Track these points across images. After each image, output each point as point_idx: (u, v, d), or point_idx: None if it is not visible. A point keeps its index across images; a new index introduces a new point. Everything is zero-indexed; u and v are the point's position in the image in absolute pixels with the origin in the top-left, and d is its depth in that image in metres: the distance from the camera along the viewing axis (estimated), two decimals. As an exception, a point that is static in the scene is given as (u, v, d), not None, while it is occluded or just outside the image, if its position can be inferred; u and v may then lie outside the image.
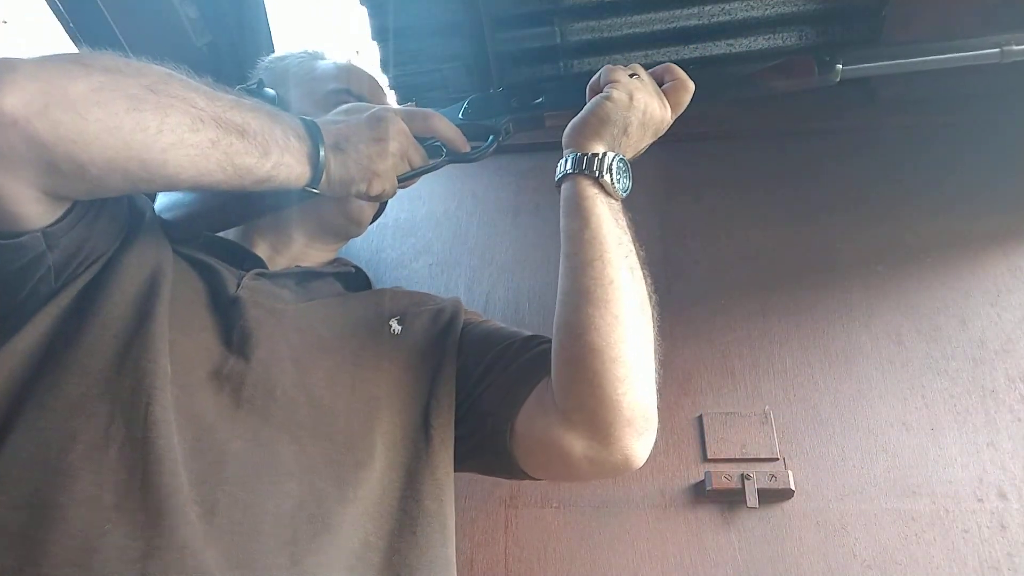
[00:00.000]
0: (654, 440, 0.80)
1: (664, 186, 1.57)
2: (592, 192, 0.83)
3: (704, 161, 1.59)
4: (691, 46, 1.58)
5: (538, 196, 1.65)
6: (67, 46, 1.37)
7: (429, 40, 1.58)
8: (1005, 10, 1.36)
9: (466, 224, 1.64)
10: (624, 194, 0.86)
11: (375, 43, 1.54)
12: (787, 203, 1.54)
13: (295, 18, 1.61)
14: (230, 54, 1.50)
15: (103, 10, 1.34)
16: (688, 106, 0.92)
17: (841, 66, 0.94)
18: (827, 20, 1.52)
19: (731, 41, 1.57)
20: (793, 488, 1.22)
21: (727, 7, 1.50)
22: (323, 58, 1.08)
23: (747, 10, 1.50)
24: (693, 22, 1.53)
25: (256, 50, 1.51)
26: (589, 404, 0.77)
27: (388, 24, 1.54)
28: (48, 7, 1.33)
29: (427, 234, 1.63)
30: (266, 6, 1.52)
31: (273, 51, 1.53)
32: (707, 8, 1.50)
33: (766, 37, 1.56)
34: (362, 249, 1.60)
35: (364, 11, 1.54)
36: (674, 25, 1.54)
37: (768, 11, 1.50)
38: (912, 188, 1.51)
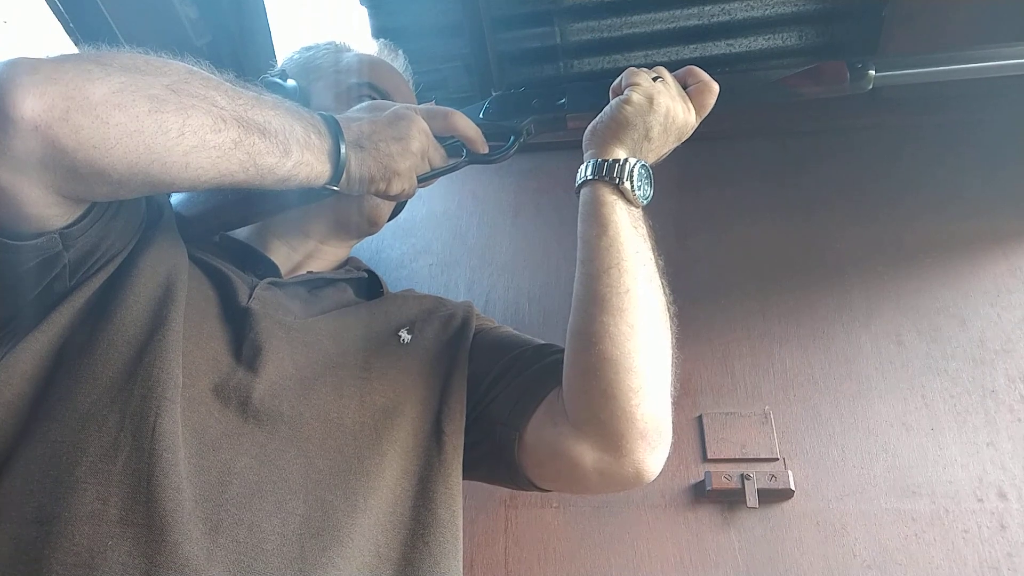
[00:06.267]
0: (667, 454, 0.79)
1: (664, 185, 1.57)
2: (611, 199, 0.82)
3: (704, 160, 1.59)
4: (691, 46, 1.59)
5: (538, 196, 1.64)
6: (67, 46, 1.37)
7: (429, 40, 1.58)
8: (1004, 10, 1.36)
9: (466, 224, 1.64)
10: (645, 202, 0.84)
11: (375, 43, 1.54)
12: (787, 202, 1.54)
13: (295, 18, 1.61)
14: (230, 54, 1.50)
15: (103, 10, 1.34)
16: (713, 109, 0.90)
17: (874, 72, 0.91)
18: (827, 20, 1.52)
19: (731, 41, 1.57)
20: (793, 488, 1.22)
21: (727, 7, 1.50)
22: (349, 50, 1.07)
23: (747, 10, 1.50)
24: (693, 22, 1.53)
25: (256, 50, 1.51)
26: (601, 415, 0.75)
27: (388, 24, 1.54)
28: (48, 7, 1.33)
29: (427, 234, 1.63)
30: (266, 6, 1.52)
31: (273, 51, 1.53)
32: (707, 8, 1.51)
33: (766, 37, 1.56)
34: (362, 249, 1.59)
35: (364, 11, 1.54)
36: (674, 25, 1.54)
37: (768, 11, 1.50)
38: (913, 188, 1.51)
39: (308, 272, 0.94)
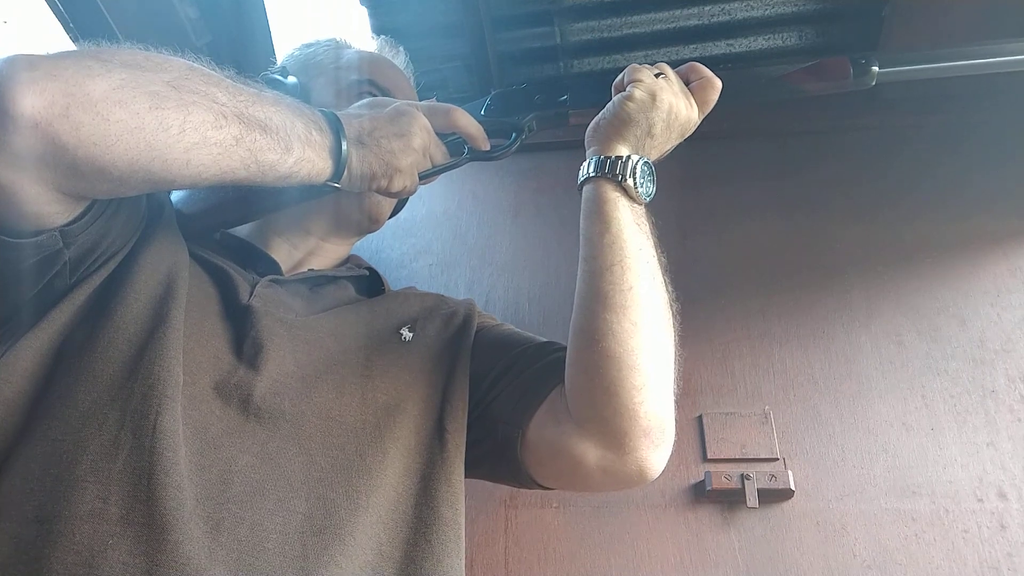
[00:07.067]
0: (670, 452, 0.78)
1: (665, 184, 1.57)
2: (614, 196, 0.81)
3: (705, 159, 1.58)
4: (691, 46, 1.59)
5: (538, 196, 1.64)
6: (67, 47, 1.36)
7: (429, 40, 1.58)
8: (1004, 10, 1.36)
9: (466, 224, 1.64)
10: (647, 199, 0.84)
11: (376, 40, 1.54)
12: (788, 202, 1.54)
13: (295, 18, 1.61)
14: (230, 54, 1.50)
15: (103, 10, 1.34)
16: (715, 107, 0.89)
17: (877, 68, 0.90)
18: (827, 20, 1.53)
19: (731, 41, 1.57)
20: (793, 488, 1.22)
21: (727, 7, 1.50)
22: (350, 47, 1.07)
23: (747, 10, 1.50)
24: (693, 22, 1.53)
25: (256, 50, 1.51)
26: (604, 413, 0.75)
27: (388, 24, 1.54)
28: (48, 7, 1.33)
29: (427, 234, 1.63)
30: (266, 6, 1.52)
31: (273, 51, 1.53)
32: (707, 8, 1.51)
33: (766, 37, 1.56)
34: (362, 249, 1.59)
35: (364, 11, 1.54)
36: (674, 25, 1.54)
37: (768, 11, 1.50)
38: (912, 187, 1.51)
39: (309, 269, 0.94)
